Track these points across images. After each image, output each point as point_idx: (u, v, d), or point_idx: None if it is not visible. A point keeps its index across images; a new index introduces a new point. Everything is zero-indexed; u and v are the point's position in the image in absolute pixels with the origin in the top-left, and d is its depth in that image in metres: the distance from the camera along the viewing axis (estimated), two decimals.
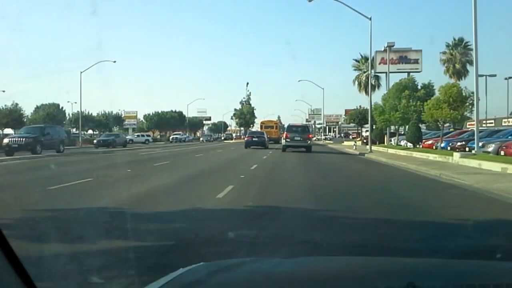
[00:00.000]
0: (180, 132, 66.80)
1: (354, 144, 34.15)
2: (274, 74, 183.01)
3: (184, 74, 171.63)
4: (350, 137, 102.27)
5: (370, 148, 28.72)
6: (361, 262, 2.08)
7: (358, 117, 53.33)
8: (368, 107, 52.64)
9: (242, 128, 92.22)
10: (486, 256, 4.15)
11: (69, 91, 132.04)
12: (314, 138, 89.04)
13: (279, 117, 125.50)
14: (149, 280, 1.63)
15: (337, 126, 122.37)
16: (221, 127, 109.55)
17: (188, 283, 1.50)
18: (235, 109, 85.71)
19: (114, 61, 47.66)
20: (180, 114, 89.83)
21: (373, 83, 50.87)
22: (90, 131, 74.60)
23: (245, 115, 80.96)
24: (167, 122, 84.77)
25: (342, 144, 49.59)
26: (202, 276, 1.58)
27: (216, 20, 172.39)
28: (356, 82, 51.74)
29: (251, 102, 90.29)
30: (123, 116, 66.22)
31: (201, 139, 70.91)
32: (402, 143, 30.04)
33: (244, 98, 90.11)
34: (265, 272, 1.70)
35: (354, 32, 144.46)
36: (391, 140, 35.99)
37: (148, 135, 59.92)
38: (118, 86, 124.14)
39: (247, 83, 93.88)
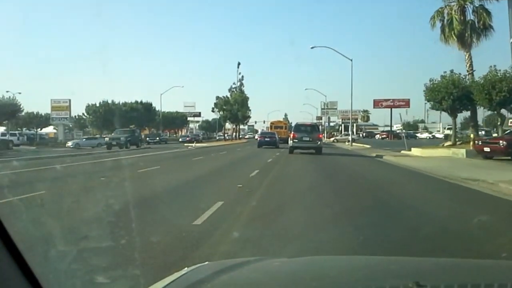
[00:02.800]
0: None
1: None
2: (278, 59, 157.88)
3: (172, 63, 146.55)
4: (378, 136, 77.82)
5: None
6: (366, 261, 2.07)
7: (453, 95, 23.81)
8: (467, 72, 24.42)
9: (229, 126, 66.80)
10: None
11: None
12: (332, 139, 64.69)
13: (286, 114, 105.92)
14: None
15: (355, 124, 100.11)
16: (215, 125, 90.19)
17: (193, 282, 1.49)
18: (217, 97, 58.99)
19: None
20: (148, 106, 64.32)
21: (477, 24, 25.03)
22: None
23: (231, 105, 53.98)
24: (125, 117, 59.40)
25: (408, 154, 23.52)
26: (207, 276, 1.56)
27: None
28: (437, 23, 25.41)
29: (244, 89, 64.72)
30: (21, 104, 40.23)
31: None
32: None
33: (234, 84, 64.15)
34: (270, 272, 1.70)
35: None
36: None
37: None
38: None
39: (239, 63, 67.65)
